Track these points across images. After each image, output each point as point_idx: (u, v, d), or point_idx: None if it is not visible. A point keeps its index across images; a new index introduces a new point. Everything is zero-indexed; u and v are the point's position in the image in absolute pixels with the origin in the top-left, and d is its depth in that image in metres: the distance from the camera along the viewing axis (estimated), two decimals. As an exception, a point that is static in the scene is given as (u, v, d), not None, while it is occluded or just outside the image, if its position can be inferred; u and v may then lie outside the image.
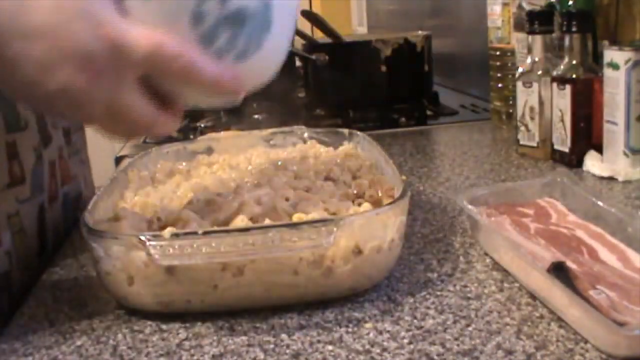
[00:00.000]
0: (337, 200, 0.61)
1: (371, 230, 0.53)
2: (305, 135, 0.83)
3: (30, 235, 0.68)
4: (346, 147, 0.79)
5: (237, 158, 0.76)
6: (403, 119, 1.30)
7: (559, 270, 0.50)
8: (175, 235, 0.50)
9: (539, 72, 0.92)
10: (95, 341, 0.52)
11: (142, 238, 0.50)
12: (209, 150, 0.79)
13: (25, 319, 0.56)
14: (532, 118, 0.94)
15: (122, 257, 0.52)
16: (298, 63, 1.54)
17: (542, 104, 0.92)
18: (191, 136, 1.24)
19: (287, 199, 0.60)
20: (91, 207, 0.58)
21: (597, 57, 0.91)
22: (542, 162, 0.93)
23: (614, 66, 0.81)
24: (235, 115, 1.34)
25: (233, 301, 0.54)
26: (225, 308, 0.54)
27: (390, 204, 0.55)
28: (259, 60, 0.50)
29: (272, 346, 0.49)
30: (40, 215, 0.70)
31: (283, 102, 1.48)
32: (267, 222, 0.56)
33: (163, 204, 0.61)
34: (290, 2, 0.52)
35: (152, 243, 0.50)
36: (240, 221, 0.56)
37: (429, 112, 1.38)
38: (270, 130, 0.83)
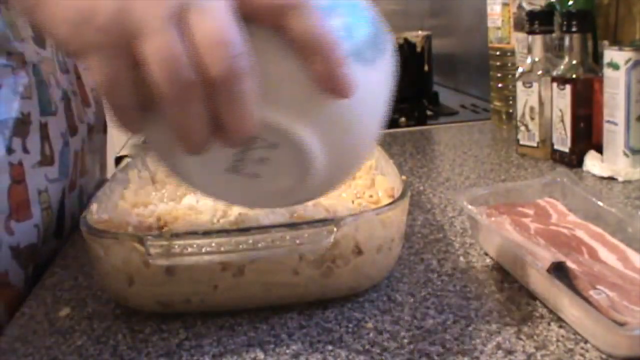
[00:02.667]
0: (336, 200, 0.61)
1: (371, 230, 0.53)
2: (305, 135, 0.82)
3: (53, 215, 0.71)
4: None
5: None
6: (403, 119, 1.30)
7: (559, 270, 0.50)
8: (175, 235, 0.50)
9: (539, 72, 0.92)
10: (95, 341, 0.52)
11: (142, 238, 0.50)
12: (209, 150, 0.79)
13: (25, 319, 0.56)
14: (532, 118, 0.94)
15: (122, 257, 0.52)
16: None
17: (542, 104, 0.92)
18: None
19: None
20: (91, 207, 0.58)
21: (597, 57, 0.91)
22: (542, 162, 0.93)
23: (614, 66, 0.81)
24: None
25: (233, 301, 0.54)
26: (225, 308, 0.54)
27: (390, 204, 0.54)
28: (368, 83, 0.40)
29: (272, 346, 0.49)
30: (62, 199, 0.73)
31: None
32: (267, 222, 0.56)
33: (163, 204, 0.62)
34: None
35: (152, 243, 0.50)
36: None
37: (429, 112, 1.38)
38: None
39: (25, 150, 0.66)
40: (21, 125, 0.66)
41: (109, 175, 0.93)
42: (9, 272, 0.64)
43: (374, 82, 0.41)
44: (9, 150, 0.64)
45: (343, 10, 0.40)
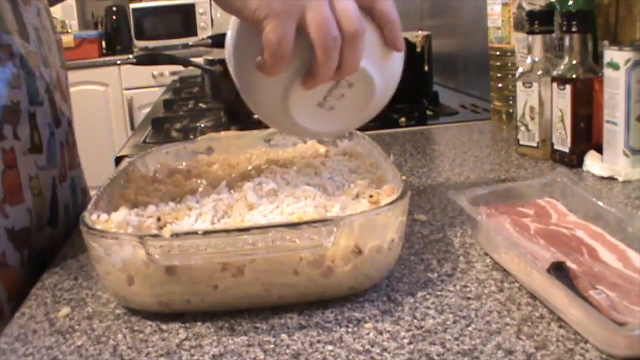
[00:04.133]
0: (337, 200, 0.61)
1: (371, 230, 0.53)
2: (305, 135, 0.82)
3: (46, 202, 0.74)
4: (346, 146, 0.79)
5: (237, 158, 0.76)
6: (403, 119, 1.30)
7: (559, 270, 0.50)
8: (175, 235, 0.50)
9: (539, 72, 0.92)
10: (95, 341, 0.52)
11: (142, 238, 0.50)
12: (209, 150, 0.79)
13: (25, 319, 0.56)
14: (532, 118, 0.94)
15: (122, 257, 0.52)
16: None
17: (542, 104, 0.92)
18: (191, 136, 1.24)
19: (288, 197, 0.60)
20: (91, 207, 0.58)
21: (597, 57, 0.91)
22: (542, 162, 0.93)
23: (614, 66, 0.81)
24: (235, 115, 1.34)
25: (233, 301, 0.54)
26: (225, 308, 0.54)
27: (390, 204, 0.55)
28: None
29: (272, 346, 0.49)
30: (53, 188, 0.75)
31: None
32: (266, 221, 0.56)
33: (163, 202, 0.61)
34: None
35: (152, 243, 0.50)
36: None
37: (429, 112, 1.38)
38: (270, 130, 0.83)
39: (16, 137, 0.68)
40: (11, 113, 0.68)
41: (96, 171, 0.95)
42: (6, 253, 0.66)
43: (401, 56, 0.63)
44: (1, 137, 0.66)
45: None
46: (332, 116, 0.62)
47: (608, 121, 0.83)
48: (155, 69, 3.32)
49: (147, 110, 1.96)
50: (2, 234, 0.66)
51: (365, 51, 0.57)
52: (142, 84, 3.39)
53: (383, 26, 0.58)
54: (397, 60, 0.62)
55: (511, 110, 1.12)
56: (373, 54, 0.59)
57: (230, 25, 0.61)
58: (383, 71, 0.60)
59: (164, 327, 0.53)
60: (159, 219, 0.58)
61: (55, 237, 0.74)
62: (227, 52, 0.62)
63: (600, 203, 0.62)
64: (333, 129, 0.65)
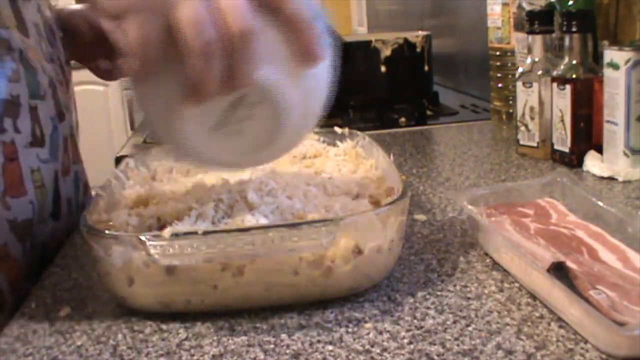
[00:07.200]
0: (337, 200, 0.61)
1: (371, 230, 0.53)
2: (305, 135, 0.82)
3: (48, 195, 0.73)
4: (346, 146, 0.79)
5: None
6: (403, 119, 1.30)
7: (559, 270, 0.50)
8: (175, 235, 0.50)
9: (539, 72, 0.92)
10: (95, 341, 0.52)
11: (142, 238, 0.50)
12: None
13: (25, 319, 0.56)
14: (532, 118, 0.94)
15: (122, 257, 0.52)
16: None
17: (542, 104, 0.92)
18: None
19: (289, 198, 0.60)
20: (91, 207, 0.58)
21: (597, 57, 0.91)
22: (542, 162, 0.93)
23: (614, 66, 0.81)
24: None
25: (233, 301, 0.54)
26: (225, 308, 0.54)
27: (390, 204, 0.55)
28: (323, 65, 0.50)
29: (272, 346, 0.49)
30: (55, 181, 0.75)
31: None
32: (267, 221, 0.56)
33: (163, 202, 0.62)
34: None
35: (152, 243, 0.50)
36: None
37: (429, 112, 1.38)
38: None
39: (17, 130, 0.68)
40: (11, 107, 0.68)
41: (96, 171, 0.95)
42: (8, 245, 0.66)
43: (326, 66, 0.51)
44: (1, 130, 0.67)
45: (308, 3, 0.48)
46: (240, 142, 0.52)
47: (608, 121, 0.83)
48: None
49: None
50: (4, 225, 0.66)
51: (273, 60, 0.47)
52: (142, 84, 3.39)
53: (294, 30, 0.47)
54: (320, 71, 0.51)
55: (511, 110, 1.12)
56: (282, 64, 0.48)
57: None
58: (300, 84, 0.49)
59: (164, 327, 0.53)
60: (159, 219, 0.58)
61: (57, 231, 0.74)
62: None
63: (600, 203, 0.62)
64: (241, 158, 0.54)
